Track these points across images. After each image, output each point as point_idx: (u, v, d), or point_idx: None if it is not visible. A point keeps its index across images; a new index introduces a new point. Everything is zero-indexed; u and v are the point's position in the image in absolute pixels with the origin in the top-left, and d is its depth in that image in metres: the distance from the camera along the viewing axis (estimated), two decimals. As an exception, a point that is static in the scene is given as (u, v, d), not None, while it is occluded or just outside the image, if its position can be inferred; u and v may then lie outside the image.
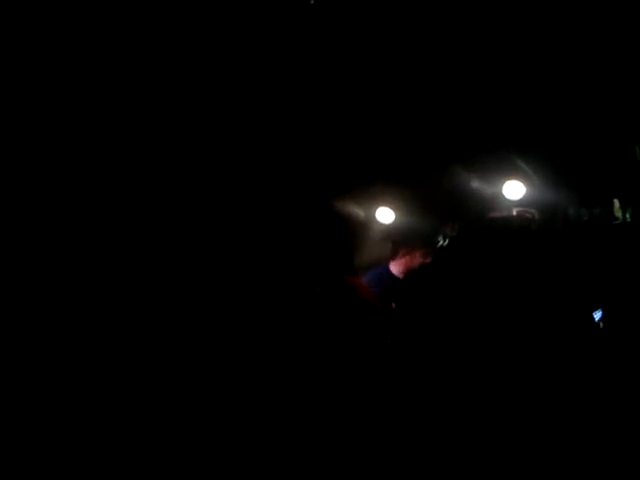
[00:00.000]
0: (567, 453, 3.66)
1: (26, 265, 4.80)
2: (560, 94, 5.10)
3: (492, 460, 3.63)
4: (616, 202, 5.26)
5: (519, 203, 5.47)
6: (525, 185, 5.42)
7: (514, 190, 5.45)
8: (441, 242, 5.43)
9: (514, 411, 3.93)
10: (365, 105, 5.37)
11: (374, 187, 5.60)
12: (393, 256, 5.45)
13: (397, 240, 5.46)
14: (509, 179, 5.44)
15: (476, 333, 5.10)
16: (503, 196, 5.47)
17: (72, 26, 4.93)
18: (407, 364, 4.37)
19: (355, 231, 5.68)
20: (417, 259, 5.36)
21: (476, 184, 5.48)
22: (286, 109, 5.19)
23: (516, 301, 5.32)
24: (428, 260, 5.33)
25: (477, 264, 5.46)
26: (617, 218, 5.26)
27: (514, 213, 5.45)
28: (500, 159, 5.41)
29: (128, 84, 5.08)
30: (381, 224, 5.67)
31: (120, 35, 5.01)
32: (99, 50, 5.01)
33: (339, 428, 3.83)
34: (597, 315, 4.92)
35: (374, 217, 5.69)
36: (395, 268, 5.38)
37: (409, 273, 5.28)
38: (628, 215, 5.18)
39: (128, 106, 5.11)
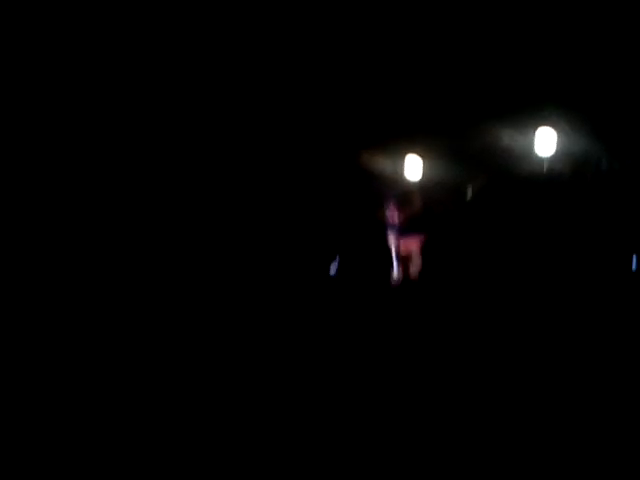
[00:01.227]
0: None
1: (26, 265, 4.83)
2: (596, 46, 5.01)
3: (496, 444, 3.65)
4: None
5: (551, 153, 5.43)
6: (558, 135, 5.36)
7: (547, 141, 5.39)
8: (470, 194, 5.41)
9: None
10: (399, 58, 5.31)
11: (404, 137, 5.55)
12: (418, 207, 5.42)
13: (425, 191, 5.44)
14: (542, 130, 5.37)
15: (504, 287, 5.12)
16: (535, 148, 5.42)
17: (72, 26, 4.89)
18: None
19: (384, 181, 5.64)
20: (443, 210, 5.35)
21: (508, 136, 5.42)
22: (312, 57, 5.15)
23: (544, 256, 5.33)
24: (455, 212, 5.31)
25: (506, 216, 5.45)
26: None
27: (545, 168, 5.44)
28: (533, 110, 5.34)
29: (128, 84, 5.05)
30: (410, 173, 5.63)
31: (120, 35, 4.97)
32: (99, 50, 4.97)
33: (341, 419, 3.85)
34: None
35: (403, 167, 5.64)
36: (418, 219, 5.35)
37: (435, 224, 5.26)
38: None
39: (128, 106, 5.09)
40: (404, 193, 5.33)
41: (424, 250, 5.10)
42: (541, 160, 5.38)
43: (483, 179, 5.35)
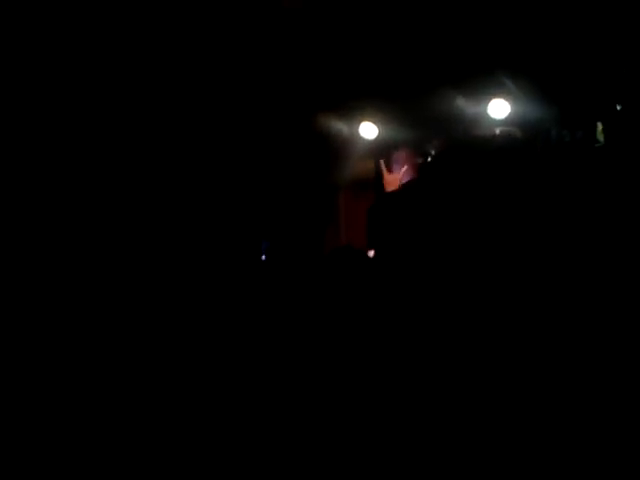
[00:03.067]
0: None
1: (26, 265, 4.84)
2: (548, 14, 5.04)
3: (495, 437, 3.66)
4: (599, 125, 5.24)
5: (503, 122, 5.46)
6: (510, 104, 5.40)
7: (499, 109, 5.43)
8: (424, 159, 5.44)
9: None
10: (353, 22, 5.32)
11: (359, 102, 5.57)
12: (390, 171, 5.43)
13: (379, 157, 5.46)
14: (494, 98, 5.41)
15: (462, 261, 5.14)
16: (488, 115, 5.46)
17: (72, 26, 4.89)
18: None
19: (339, 147, 5.67)
20: (399, 176, 5.36)
21: (461, 102, 5.46)
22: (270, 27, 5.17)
23: (498, 222, 5.36)
24: (411, 177, 5.32)
25: (459, 183, 5.48)
26: (599, 141, 5.25)
27: (497, 132, 5.45)
28: (486, 78, 5.38)
29: (128, 84, 5.07)
30: (364, 139, 5.66)
31: (120, 35, 4.98)
32: (99, 50, 4.98)
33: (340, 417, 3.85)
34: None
35: (357, 132, 5.67)
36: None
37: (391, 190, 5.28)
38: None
39: (127, 106, 5.10)
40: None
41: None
42: (493, 127, 5.41)
43: (440, 143, 5.39)
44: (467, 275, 5.01)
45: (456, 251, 4.95)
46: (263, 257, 5.29)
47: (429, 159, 5.44)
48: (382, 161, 5.19)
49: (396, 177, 5.08)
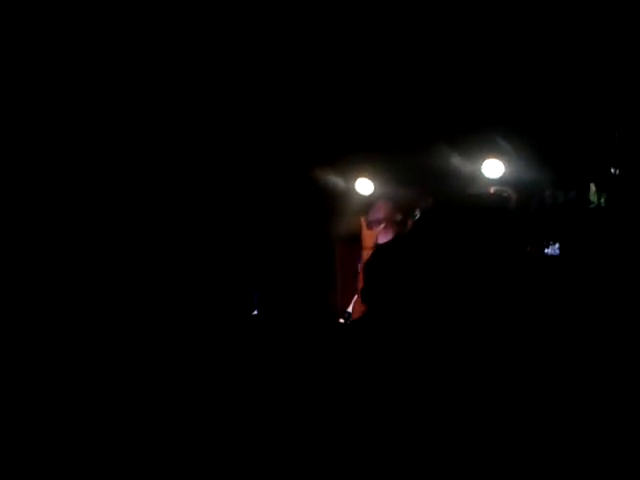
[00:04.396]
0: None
1: (26, 265, 4.86)
2: (542, 76, 5.11)
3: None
4: (592, 186, 5.27)
5: (497, 182, 5.51)
6: (504, 164, 5.45)
7: (493, 169, 5.47)
8: (416, 216, 5.45)
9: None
10: (351, 78, 5.39)
11: (355, 158, 5.62)
12: (369, 228, 5.48)
13: (374, 212, 5.49)
14: (489, 158, 5.46)
15: (445, 313, 5.12)
16: (482, 174, 5.50)
17: (72, 26, 4.98)
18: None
19: (334, 201, 5.70)
20: (392, 232, 5.38)
21: (456, 161, 5.50)
22: (268, 81, 5.24)
23: (484, 281, 5.36)
24: (387, 234, 5.34)
25: (448, 241, 5.49)
26: (592, 202, 5.28)
27: (491, 191, 5.49)
28: (481, 138, 5.43)
29: (128, 84, 5.14)
30: (360, 195, 5.69)
31: (120, 35, 5.06)
32: (99, 50, 5.06)
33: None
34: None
35: (353, 188, 5.70)
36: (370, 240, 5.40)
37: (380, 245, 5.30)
38: (603, 200, 5.19)
39: (127, 106, 5.17)
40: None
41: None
42: (487, 186, 5.46)
43: (429, 201, 5.42)
44: (454, 334, 5.01)
45: (441, 309, 4.95)
46: (255, 312, 5.26)
47: (415, 215, 5.44)
48: (363, 217, 5.23)
49: (372, 234, 5.12)
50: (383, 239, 5.22)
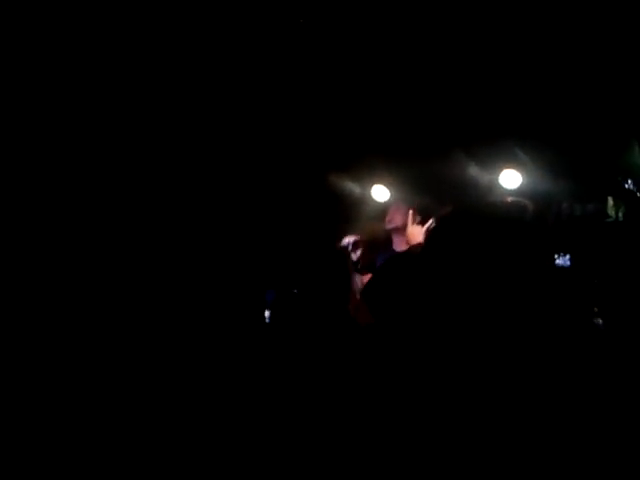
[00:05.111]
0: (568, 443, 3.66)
1: (26, 265, 4.87)
2: (562, 86, 5.08)
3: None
4: (610, 200, 5.23)
5: (514, 193, 5.47)
6: (522, 175, 5.41)
7: (511, 179, 5.43)
8: (433, 224, 5.41)
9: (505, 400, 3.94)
10: (368, 82, 5.38)
11: (372, 164, 5.60)
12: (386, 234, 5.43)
13: (390, 219, 5.46)
14: (507, 168, 5.42)
15: (462, 322, 5.09)
16: (499, 184, 5.46)
17: (72, 26, 4.99)
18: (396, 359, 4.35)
19: (349, 207, 5.68)
20: (408, 239, 5.34)
21: (474, 170, 5.47)
22: (284, 84, 5.23)
23: (502, 290, 5.32)
24: (419, 241, 5.28)
25: (465, 250, 5.46)
26: (610, 216, 5.24)
27: (508, 202, 5.45)
28: (499, 147, 5.40)
29: (128, 84, 5.14)
30: (376, 202, 5.66)
31: (120, 35, 5.07)
32: (99, 50, 5.07)
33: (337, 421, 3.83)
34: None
35: (369, 194, 5.68)
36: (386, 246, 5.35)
37: (396, 252, 5.26)
38: (621, 214, 5.15)
39: (127, 106, 5.17)
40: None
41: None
42: (504, 197, 5.41)
43: (446, 210, 5.38)
44: (470, 340, 4.97)
45: (457, 316, 4.92)
46: (267, 314, 5.23)
47: (432, 224, 5.38)
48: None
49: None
50: (399, 247, 5.17)
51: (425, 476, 3.58)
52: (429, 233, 4.85)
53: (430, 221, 4.66)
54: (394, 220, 5.26)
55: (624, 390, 4.11)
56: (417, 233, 4.67)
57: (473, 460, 3.62)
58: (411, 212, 4.75)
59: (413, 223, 4.73)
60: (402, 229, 5.12)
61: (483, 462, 3.61)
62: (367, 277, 4.87)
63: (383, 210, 5.70)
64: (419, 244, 4.61)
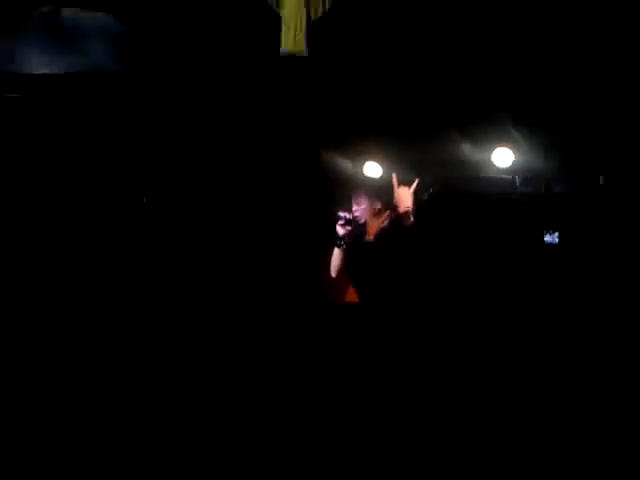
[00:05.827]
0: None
1: (26, 265, 4.88)
2: (555, 66, 5.08)
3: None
4: (601, 179, 5.25)
5: (506, 170, 5.49)
6: (514, 153, 5.42)
7: (503, 157, 5.44)
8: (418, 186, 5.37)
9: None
10: (361, 62, 5.37)
11: (364, 141, 5.59)
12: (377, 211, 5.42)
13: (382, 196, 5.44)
14: (499, 146, 5.43)
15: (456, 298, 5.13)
16: (492, 162, 5.48)
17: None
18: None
19: (341, 183, 5.67)
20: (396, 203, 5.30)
21: (466, 148, 5.48)
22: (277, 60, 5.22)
23: (491, 269, 5.36)
24: (410, 219, 5.27)
25: (455, 226, 5.49)
26: (600, 194, 5.26)
27: (499, 179, 5.49)
28: (492, 126, 5.40)
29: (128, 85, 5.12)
30: (368, 178, 5.66)
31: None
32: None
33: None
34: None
35: (362, 171, 5.68)
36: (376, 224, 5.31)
37: (388, 229, 5.24)
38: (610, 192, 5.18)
39: (128, 106, 5.16)
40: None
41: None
42: (496, 175, 5.44)
43: (434, 187, 5.41)
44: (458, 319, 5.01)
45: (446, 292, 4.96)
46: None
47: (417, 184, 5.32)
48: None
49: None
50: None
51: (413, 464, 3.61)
52: (415, 195, 4.76)
53: (415, 183, 4.60)
54: (358, 212, 5.07)
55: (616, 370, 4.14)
56: (405, 195, 4.56)
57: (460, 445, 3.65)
58: (394, 176, 4.65)
59: (399, 186, 4.61)
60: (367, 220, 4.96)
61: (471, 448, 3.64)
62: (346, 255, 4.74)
63: (378, 188, 5.70)
64: (407, 208, 4.52)
